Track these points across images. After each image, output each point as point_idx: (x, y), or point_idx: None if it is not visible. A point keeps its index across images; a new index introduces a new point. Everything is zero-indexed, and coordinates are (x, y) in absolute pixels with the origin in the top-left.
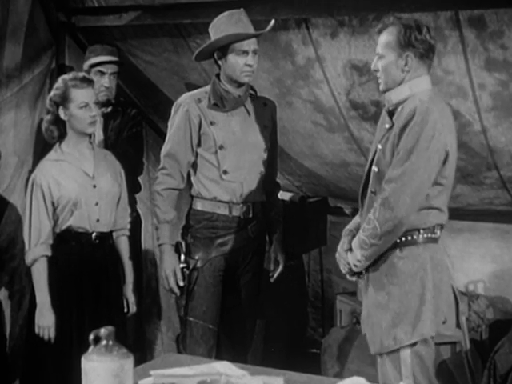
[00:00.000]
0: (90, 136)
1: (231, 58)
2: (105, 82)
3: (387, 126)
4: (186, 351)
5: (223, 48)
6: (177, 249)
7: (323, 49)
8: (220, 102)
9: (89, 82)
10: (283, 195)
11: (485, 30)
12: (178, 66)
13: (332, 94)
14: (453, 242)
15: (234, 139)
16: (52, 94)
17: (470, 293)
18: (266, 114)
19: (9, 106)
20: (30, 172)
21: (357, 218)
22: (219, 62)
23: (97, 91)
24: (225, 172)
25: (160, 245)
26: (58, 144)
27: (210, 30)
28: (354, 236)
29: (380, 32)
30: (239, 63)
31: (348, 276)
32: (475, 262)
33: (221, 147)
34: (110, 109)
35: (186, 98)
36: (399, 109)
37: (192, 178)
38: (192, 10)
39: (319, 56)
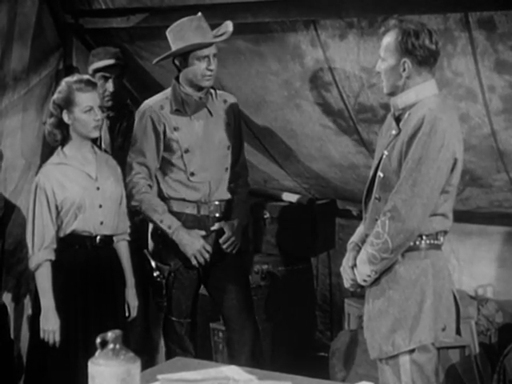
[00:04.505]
0: (94, 140)
1: (192, 63)
2: (109, 87)
3: (394, 132)
4: (174, 346)
5: (184, 54)
6: (145, 257)
7: (332, 51)
8: (182, 108)
9: (93, 85)
10: (291, 197)
11: (494, 31)
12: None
13: (341, 97)
14: (462, 246)
15: (198, 142)
16: (55, 97)
17: (479, 297)
18: (227, 112)
19: (16, 109)
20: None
21: (361, 228)
22: (180, 67)
23: (101, 96)
24: (192, 174)
25: (174, 231)
26: (60, 147)
27: (167, 34)
28: (359, 251)
29: (384, 34)
30: (200, 68)
31: (350, 289)
32: (484, 265)
33: (186, 151)
34: (116, 112)
35: (148, 105)
36: (406, 115)
37: (160, 182)
38: (199, 11)
39: (328, 58)
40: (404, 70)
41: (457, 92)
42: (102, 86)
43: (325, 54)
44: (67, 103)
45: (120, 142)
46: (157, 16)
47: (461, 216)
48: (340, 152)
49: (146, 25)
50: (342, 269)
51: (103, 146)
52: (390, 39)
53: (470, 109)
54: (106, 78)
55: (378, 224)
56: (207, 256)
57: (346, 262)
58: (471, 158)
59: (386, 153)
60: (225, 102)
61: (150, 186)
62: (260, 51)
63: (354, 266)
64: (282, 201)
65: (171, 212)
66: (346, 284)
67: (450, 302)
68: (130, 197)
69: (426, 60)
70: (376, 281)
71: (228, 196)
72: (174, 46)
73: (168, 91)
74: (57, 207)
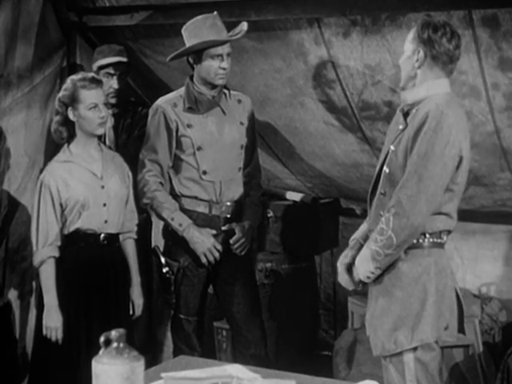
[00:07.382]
0: (99, 137)
1: (206, 61)
2: (113, 84)
3: (401, 126)
4: (181, 344)
5: (198, 51)
6: (155, 253)
7: (336, 48)
8: (195, 106)
9: (98, 82)
10: (295, 196)
11: (498, 29)
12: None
13: (344, 95)
14: (466, 244)
15: (211, 140)
16: (61, 94)
17: (482, 295)
18: (241, 111)
19: (20, 107)
20: (41, 172)
21: (364, 226)
22: (193, 65)
23: (106, 93)
24: (204, 172)
25: (185, 229)
26: (66, 145)
27: (183, 32)
28: (359, 248)
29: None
30: (214, 66)
31: (341, 283)
32: (488, 264)
33: (199, 148)
34: (120, 109)
35: (161, 102)
36: (414, 110)
37: (173, 179)
38: (203, 9)
39: (331, 56)
40: (417, 60)
41: (460, 90)
42: (107, 84)
43: (328, 51)
44: (72, 101)
45: (124, 139)
46: (160, 14)
47: (464, 215)
48: (343, 150)
49: (149, 23)
50: (338, 263)
51: (107, 142)
52: (412, 31)
53: (473, 106)
54: (110, 76)
55: (382, 220)
56: (217, 255)
57: (344, 259)
58: (475, 156)
59: (392, 148)
60: (239, 101)
61: (161, 183)
62: (263, 49)
63: (352, 264)
64: (286, 199)
65: (183, 210)
66: (341, 280)
67: (452, 301)
68: (141, 194)
69: (440, 56)
70: (379, 278)
71: (240, 196)
72: (189, 43)
73: (182, 90)
74: (61, 205)
